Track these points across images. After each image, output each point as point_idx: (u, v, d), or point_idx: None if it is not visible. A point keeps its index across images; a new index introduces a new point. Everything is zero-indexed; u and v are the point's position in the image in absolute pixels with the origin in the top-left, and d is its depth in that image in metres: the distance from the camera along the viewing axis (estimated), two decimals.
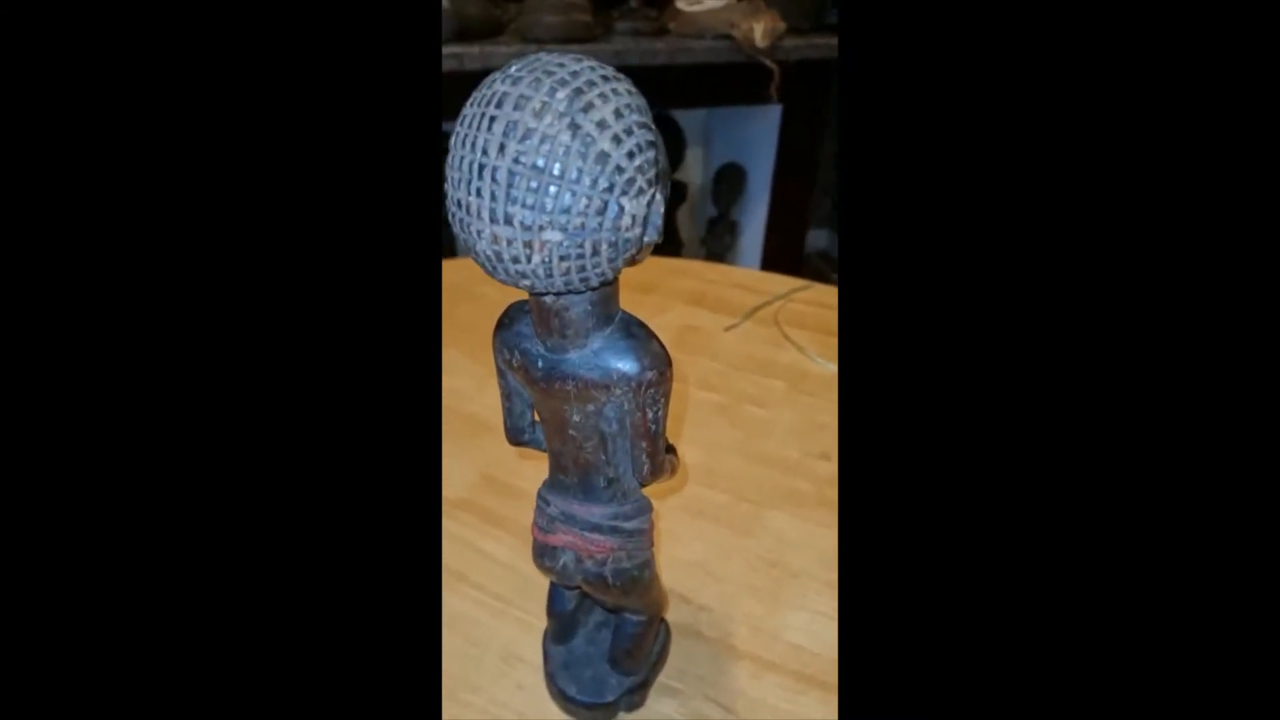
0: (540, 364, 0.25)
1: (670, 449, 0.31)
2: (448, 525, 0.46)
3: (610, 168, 0.19)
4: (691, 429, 0.56)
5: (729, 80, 1.32)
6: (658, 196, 0.21)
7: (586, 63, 0.20)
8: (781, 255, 1.58)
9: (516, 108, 0.19)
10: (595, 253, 0.20)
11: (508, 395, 0.28)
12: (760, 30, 1.25)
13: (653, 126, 0.21)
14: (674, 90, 1.30)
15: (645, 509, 0.30)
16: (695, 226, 1.76)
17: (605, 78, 0.20)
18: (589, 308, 0.23)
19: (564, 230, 0.19)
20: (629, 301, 0.24)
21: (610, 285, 0.23)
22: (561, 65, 0.20)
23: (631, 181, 0.20)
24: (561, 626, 0.36)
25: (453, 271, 0.78)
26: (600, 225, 0.20)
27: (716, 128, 1.66)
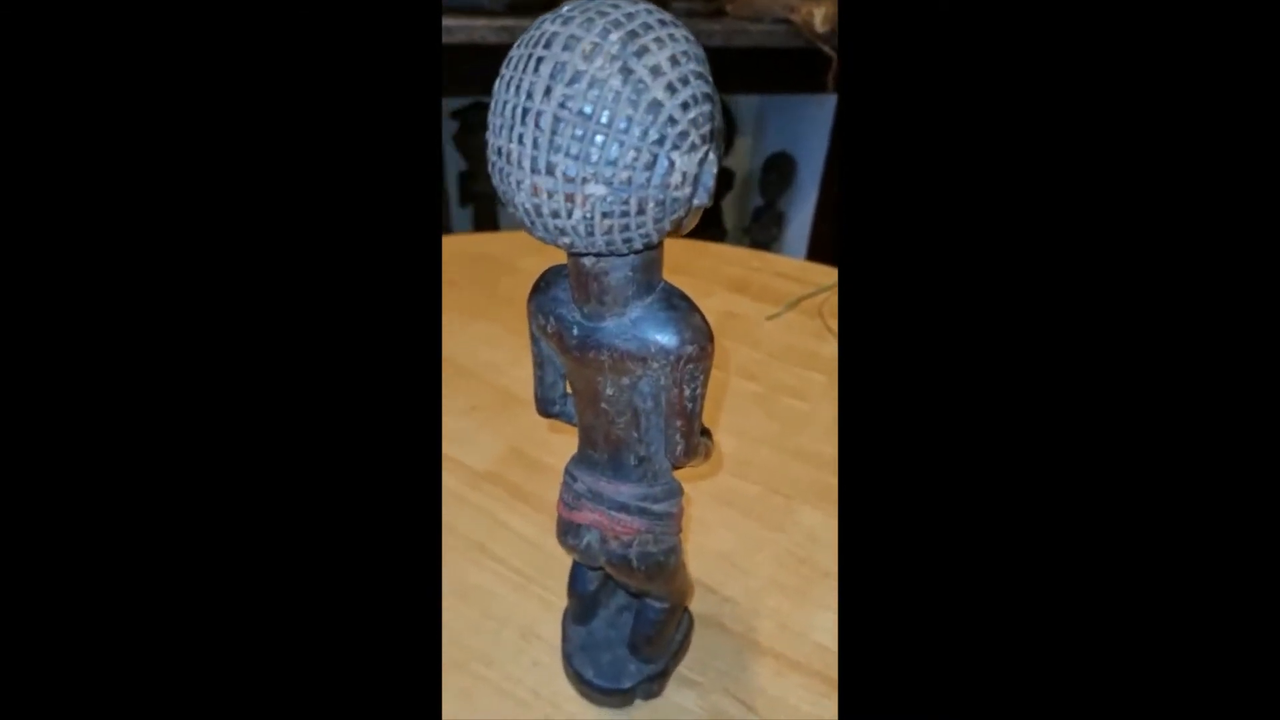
0: (575, 331, 0.24)
1: (706, 433, 0.29)
2: (473, 497, 0.45)
3: (662, 118, 0.18)
4: (728, 417, 0.54)
5: (785, 66, 1.28)
6: (710, 155, 0.20)
7: (644, 4, 0.19)
8: (828, 249, 1.55)
9: (566, 49, 0.17)
10: (640, 211, 0.19)
11: (540, 364, 0.27)
12: (820, 16, 1.21)
13: (710, 79, 0.19)
14: (727, 74, 1.26)
15: (676, 492, 0.28)
16: (741, 215, 1.73)
17: (663, 22, 0.18)
18: (630, 273, 0.22)
19: (609, 184, 0.18)
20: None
21: (654, 250, 0.22)
22: (616, 6, 0.18)
23: (684, 135, 0.18)
24: (582, 607, 0.35)
25: (495, 243, 0.78)
26: (648, 181, 0.18)
27: (769, 115, 1.62)
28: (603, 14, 0.18)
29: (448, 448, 0.49)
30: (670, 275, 0.24)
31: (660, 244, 0.22)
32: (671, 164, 0.18)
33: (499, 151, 0.19)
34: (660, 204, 0.19)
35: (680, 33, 0.19)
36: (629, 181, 0.18)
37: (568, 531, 0.29)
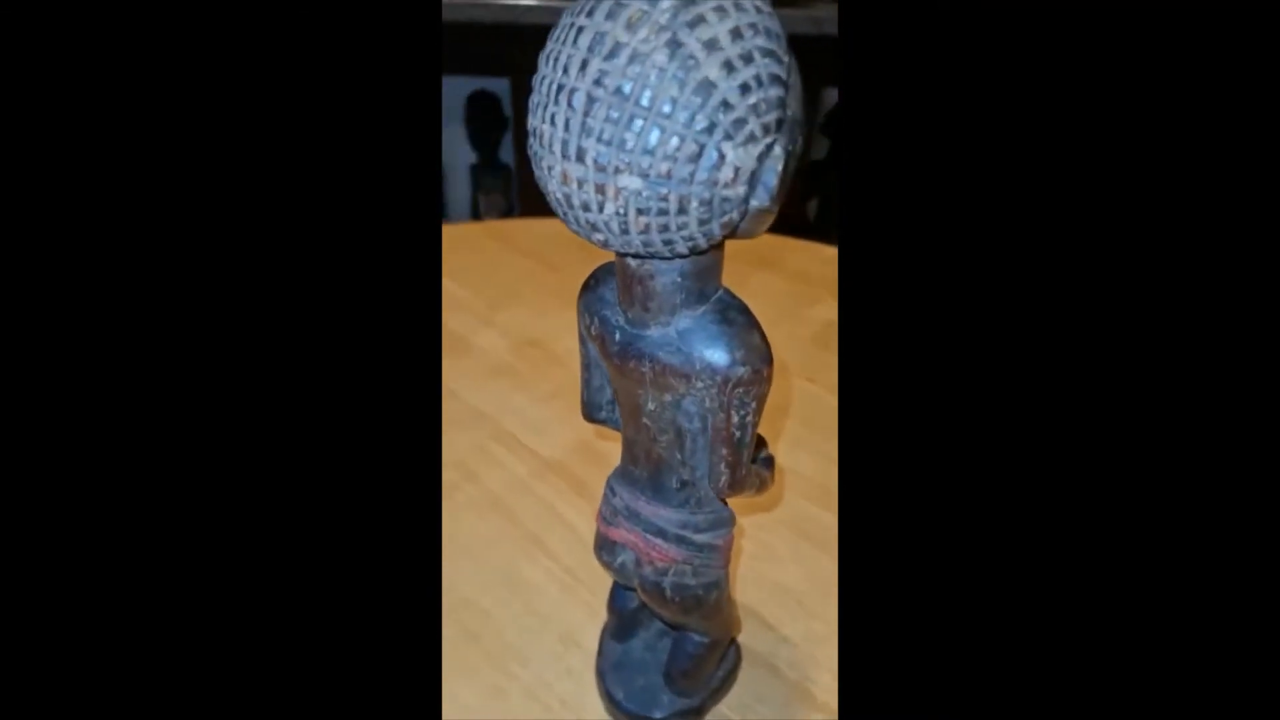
0: (618, 336, 0.21)
1: (766, 461, 0.26)
2: (537, 487, 0.45)
3: (714, 102, 0.15)
4: (811, 435, 0.50)
5: None
6: (777, 149, 0.17)
7: None
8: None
9: (609, 17, 0.15)
10: (682, 210, 0.16)
11: (587, 365, 0.25)
12: None
13: (785, 59, 0.16)
14: (814, 68, 1.16)
15: (723, 523, 0.26)
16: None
17: None
18: (678, 279, 0.19)
19: (644, 176, 0.15)
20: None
21: (706, 255, 0.19)
22: None
23: (740, 123, 0.15)
24: (621, 624, 0.33)
25: None
26: (691, 175, 0.15)
27: None
28: None
29: (522, 434, 0.48)
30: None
31: (718, 247, 0.19)
32: (722, 157, 0.15)
33: (534, 132, 0.17)
34: (706, 203, 0.16)
35: (751, 2, 0.16)
36: (669, 175, 0.15)
37: (603, 547, 0.27)
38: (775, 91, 0.16)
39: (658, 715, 0.31)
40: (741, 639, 0.36)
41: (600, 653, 0.33)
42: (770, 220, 0.20)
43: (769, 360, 0.20)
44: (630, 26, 0.15)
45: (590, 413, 0.27)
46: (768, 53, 0.16)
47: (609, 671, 0.32)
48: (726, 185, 0.16)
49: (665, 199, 0.16)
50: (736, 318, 0.20)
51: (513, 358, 0.55)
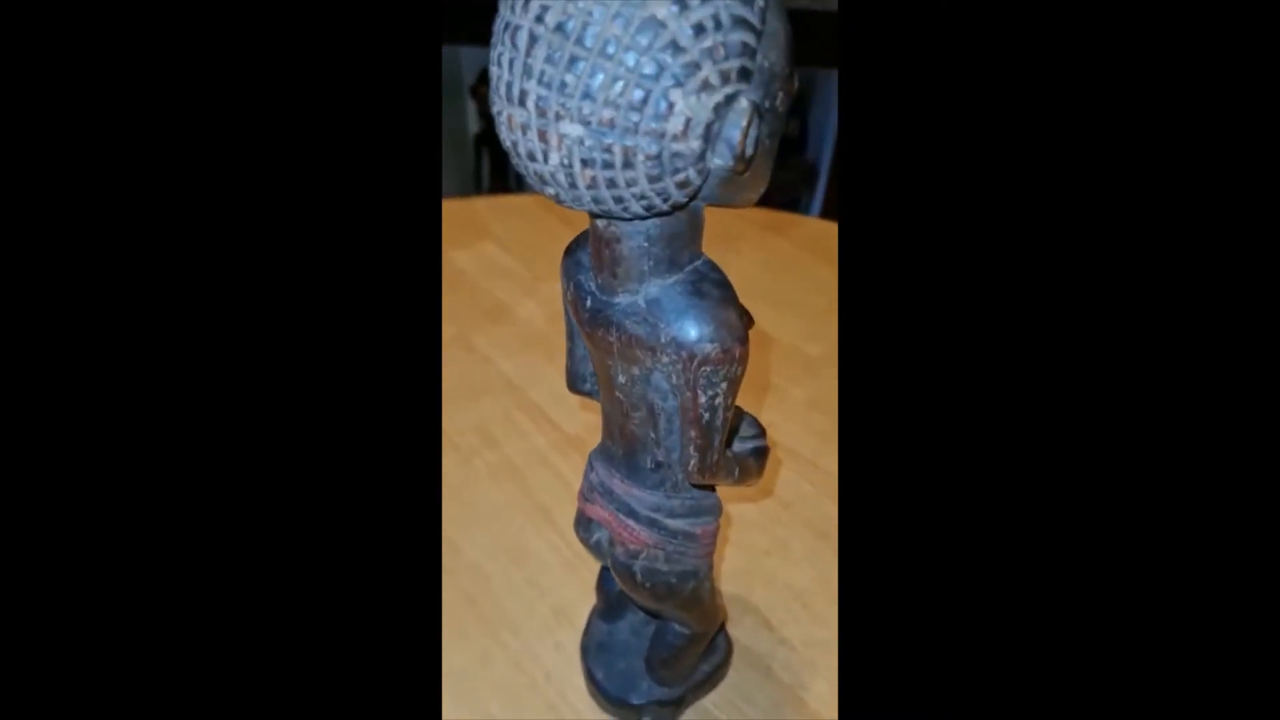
0: (589, 303, 0.20)
1: (756, 451, 0.25)
2: (556, 461, 0.44)
3: (662, 43, 0.14)
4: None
5: None
6: (743, 102, 0.15)
7: None
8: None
9: None
10: (629, 163, 0.15)
11: (570, 334, 0.24)
12: None
13: (757, 2, 0.15)
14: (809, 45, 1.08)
15: (703, 511, 0.24)
16: None
17: None
18: (645, 244, 0.18)
19: (586, 124, 0.14)
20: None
21: (675, 219, 0.18)
22: None
23: (693, 68, 0.14)
24: (609, 606, 0.32)
25: None
26: (637, 125, 0.14)
27: None
28: None
29: (547, 406, 0.48)
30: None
31: (689, 211, 0.18)
32: (670, 105, 0.14)
33: (490, 76, 0.16)
34: (654, 158, 0.15)
35: None
36: (612, 123, 0.14)
37: (580, 524, 0.26)
38: (739, 36, 0.14)
39: (634, 700, 0.30)
40: (738, 637, 0.35)
41: (587, 631, 0.33)
42: (756, 187, 0.19)
43: (741, 339, 0.19)
44: None
45: (573, 383, 0.26)
46: None
47: (593, 651, 0.32)
48: (676, 138, 0.14)
49: (610, 150, 0.15)
50: (710, 290, 0.19)
51: (549, 329, 0.55)
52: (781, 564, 0.39)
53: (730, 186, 0.17)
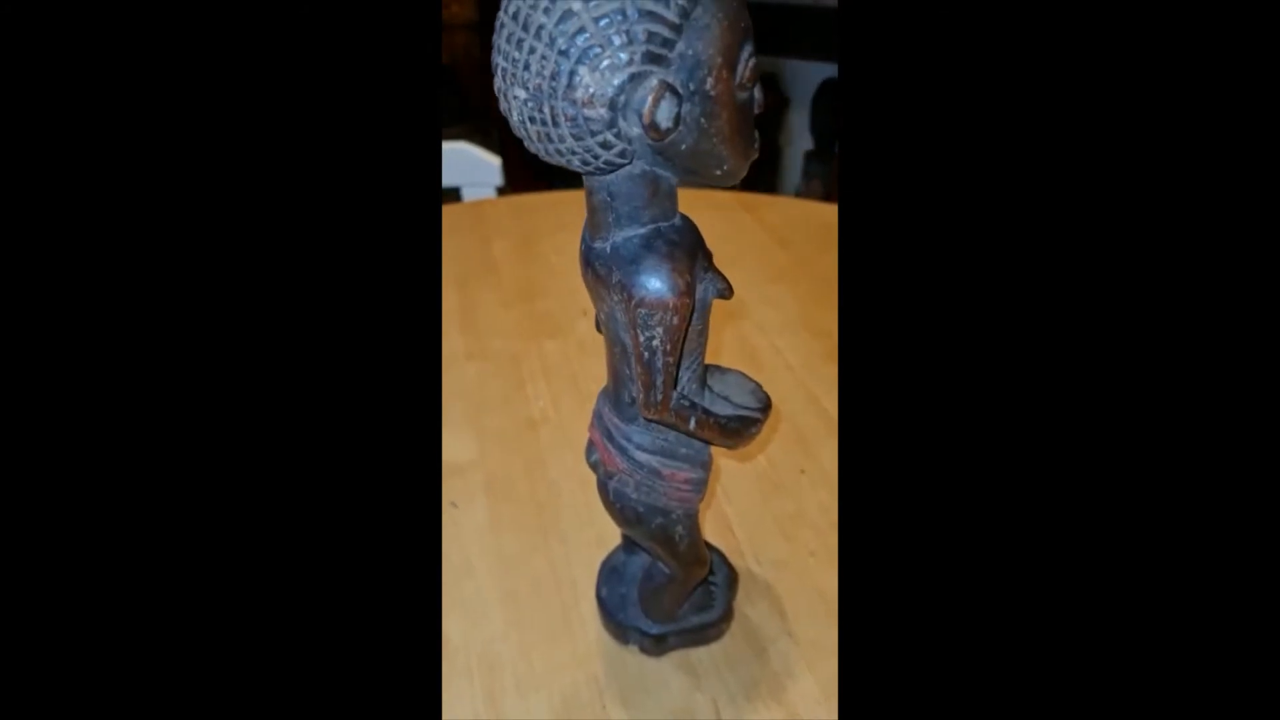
0: (581, 247, 0.25)
1: (738, 419, 0.27)
2: None
3: (574, 28, 0.18)
4: None
5: None
6: (652, 81, 0.18)
7: None
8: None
9: None
10: (555, 123, 0.19)
11: None
12: None
13: (676, 1, 0.18)
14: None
15: (675, 455, 0.27)
16: None
17: None
18: (607, 199, 0.22)
19: (526, 88, 0.19)
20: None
21: (631, 182, 0.21)
22: None
23: (592, 51, 0.18)
24: (626, 539, 0.36)
25: None
26: (555, 91, 0.18)
27: None
28: None
29: None
30: None
31: (646, 176, 0.21)
32: (575, 78, 0.18)
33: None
34: (572, 120, 0.19)
35: None
36: (540, 89, 0.19)
37: (587, 447, 0.31)
38: (645, 26, 0.18)
39: (619, 618, 0.34)
40: (749, 615, 0.36)
41: (609, 556, 0.37)
42: (717, 164, 0.21)
43: (675, 293, 0.22)
44: None
45: (597, 325, 0.30)
46: None
47: (606, 572, 0.36)
48: (585, 105, 0.18)
49: (542, 110, 0.19)
50: (660, 246, 0.22)
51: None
52: (821, 567, 0.39)
53: (678, 158, 0.20)
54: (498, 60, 0.20)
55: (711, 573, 0.36)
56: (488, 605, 0.37)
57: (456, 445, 0.47)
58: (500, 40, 0.19)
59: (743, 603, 0.37)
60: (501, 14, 0.19)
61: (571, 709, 0.32)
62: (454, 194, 0.84)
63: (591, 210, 0.23)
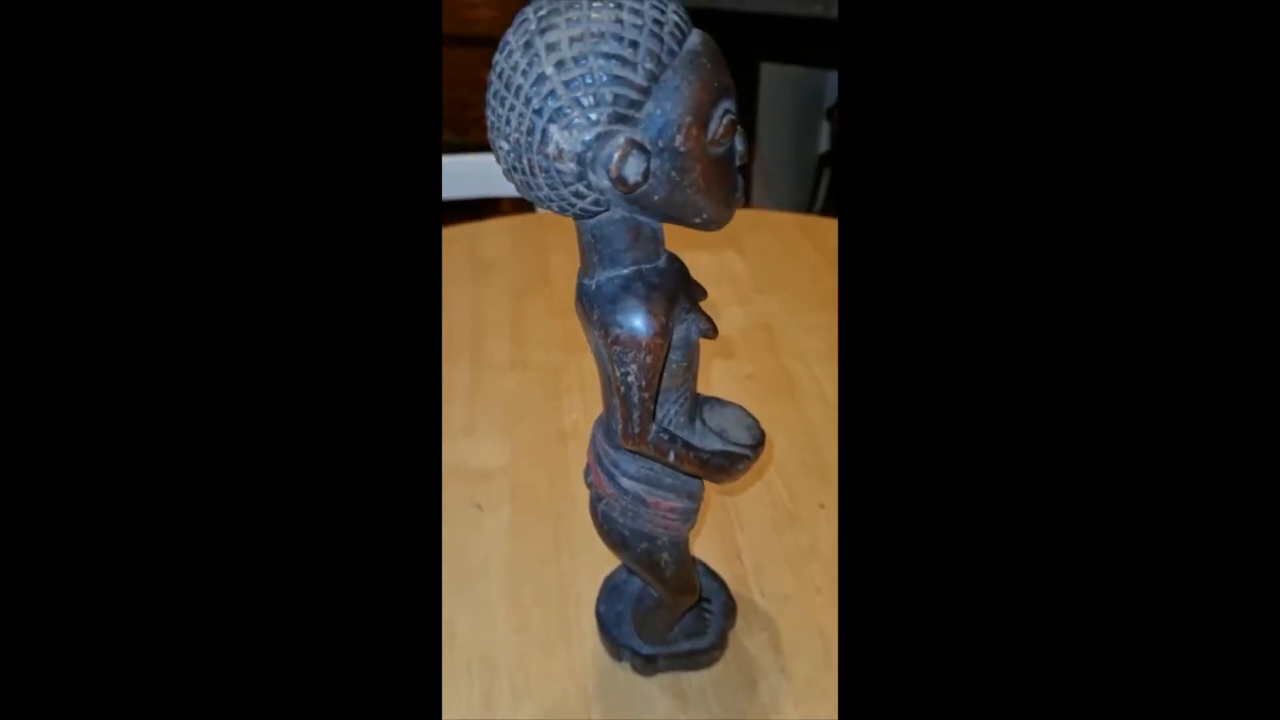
0: (577, 286, 0.26)
1: (724, 454, 0.27)
2: None
3: (544, 90, 0.19)
4: None
5: None
6: (619, 139, 0.19)
7: None
8: None
9: (513, 22, 0.20)
10: (531, 173, 0.21)
11: None
12: None
13: (644, 66, 0.19)
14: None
15: (660, 484, 0.28)
16: None
17: (605, 4, 0.19)
18: (590, 240, 0.23)
19: (508, 140, 0.20)
20: None
21: (611, 224, 0.23)
22: None
23: (562, 110, 0.19)
24: None
25: None
26: (530, 145, 0.20)
27: None
28: None
29: None
30: None
31: (626, 222, 0.23)
32: (546, 135, 0.19)
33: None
34: (545, 171, 0.20)
35: (611, 15, 0.19)
36: (518, 143, 0.20)
37: (585, 468, 0.32)
38: (612, 89, 0.19)
39: (614, 635, 0.35)
40: (747, 646, 0.37)
41: (612, 573, 0.38)
42: (697, 213, 0.22)
43: (649, 333, 0.23)
44: (515, 29, 0.20)
45: None
46: (611, 57, 0.19)
47: (607, 589, 0.37)
48: (556, 159, 0.20)
49: (520, 161, 0.20)
50: (638, 288, 0.23)
51: (738, 337, 0.60)
52: (825, 604, 0.38)
53: (653, 207, 0.21)
54: (487, 114, 0.21)
55: (708, 600, 0.36)
56: (495, 608, 0.39)
57: (490, 451, 0.49)
58: (489, 96, 0.21)
59: (741, 633, 0.37)
60: (490, 73, 0.21)
61: (560, 718, 0.34)
62: (493, 205, 0.87)
63: (580, 251, 0.24)
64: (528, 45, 0.19)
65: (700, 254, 0.71)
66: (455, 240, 0.74)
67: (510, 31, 0.20)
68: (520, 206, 0.89)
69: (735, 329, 0.61)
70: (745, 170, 0.23)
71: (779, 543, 0.42)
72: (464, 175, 0.75)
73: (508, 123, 0.20)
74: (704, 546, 0.42)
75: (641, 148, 0.20)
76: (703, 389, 0.29)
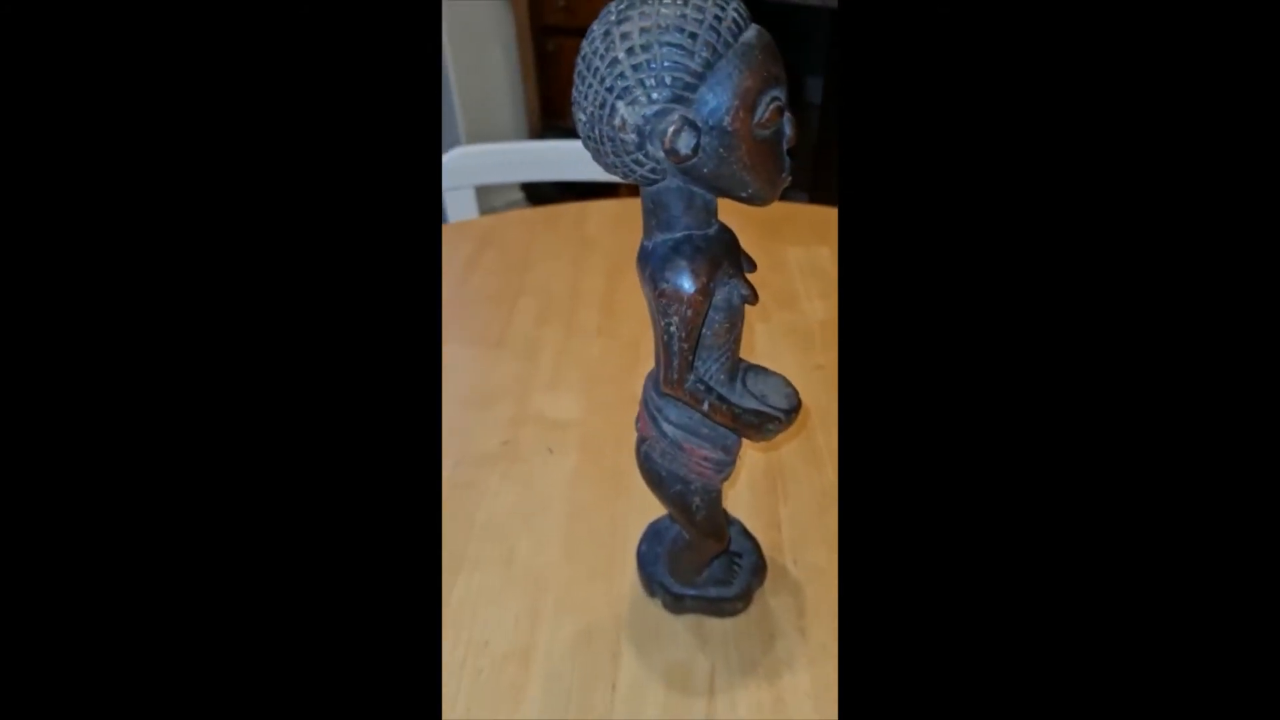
0: (640, 245, 0.30)
1: (754, 412, 0.30)
2: None
3: (615, 72, 0.23)
4: None
5: None
6: (674, 116, 0.23)
7: None
8: None
9: (600, 14, 0.24)
10: (601, 142, 0.24)
11: None
12: None
13: (701, 55, 0.22)
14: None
15: (697, 433, 0.31)
16: None
17: (675, 1, 0.23)
18: (650, 205, 0.27)
19: (585, 113, 0.25)
20: None
21: (666, 192, 0.26)
22: None
23: (629, 89, 0.23)
24: None
25: None
26: (601, 117, 0.24)
27: None
28: None
29: None
30: None
31: (680, 191, 0.26)
32: (614, 109, 0.23)
33: None
34: (611, 140, 0.24)
35: (678, 11, 0.22)
36: (592, 115, 0.24)
37: (637, 414, 0.36)
38: (671, 74, 0.22)
39: (650, 571, 0.39)
40: (772, 605, 0.39)
41: (657, 519, 0.42)
42: (744, 188, 0.25)
43: (691, 290, 0.26)
44: (599, 20, 0.24)
45: None
46: (673, 46, 0.22)
47: (650, 531, 0.41)
48: (620, 130, 0.24)
49: (593, 131, 0.25)
50: (685, 249, 0.27)
51: (817, 329, 0.61)
52: None
53: (702, 179, 0.25)
54: (573, 90, 0.25)
55: (739, 555, 0.39)
56: (553, 537, 0.44)
57: (567, 404, 0.54)
58: (576, 75, 0.25)
59: (768, 592, 0.40)
60: (578, 56, 0.25)
61: (593, 637, 0.38)
62: (613, 189, 0.92)
63: (643, 215, 0.28)
64: (606, 34, 0.23)
65: (794, 248, 0.73)
66: (563, 217, 0.80)
67: (596, 22, 0.24)
68: (631, 191, 0.94)
69: (815, 321, 0.62)
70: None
71: (819, 522, 0.44)
72: (578, 159, 0.81)
73: (586, 98, 0.24)
74: (746, 511, 0.45)
75: (693, 125, 0.23)
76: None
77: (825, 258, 0.71)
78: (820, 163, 1.51)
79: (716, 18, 0.23)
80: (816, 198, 1.52)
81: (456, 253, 0.74)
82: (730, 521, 0.41)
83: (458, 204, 0.88)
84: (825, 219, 0.79)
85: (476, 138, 1.83)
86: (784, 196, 0.28)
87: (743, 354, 0.32)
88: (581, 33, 0.25)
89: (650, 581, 0.39)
